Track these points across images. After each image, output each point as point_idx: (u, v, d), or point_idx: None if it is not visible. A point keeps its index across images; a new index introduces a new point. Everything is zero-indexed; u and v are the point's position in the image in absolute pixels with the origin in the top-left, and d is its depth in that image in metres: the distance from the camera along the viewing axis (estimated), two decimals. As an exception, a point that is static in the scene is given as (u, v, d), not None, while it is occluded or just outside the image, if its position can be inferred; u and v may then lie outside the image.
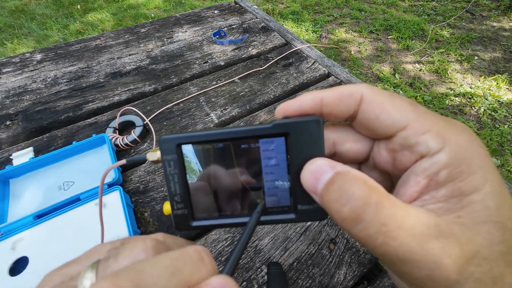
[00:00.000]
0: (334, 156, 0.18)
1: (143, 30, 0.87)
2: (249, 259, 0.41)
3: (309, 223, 0.45)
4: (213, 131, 0.17)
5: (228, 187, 0.18)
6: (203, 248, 0.14)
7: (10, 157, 0.49)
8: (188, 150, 0.18)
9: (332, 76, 0.73)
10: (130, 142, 0.53)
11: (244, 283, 0.39)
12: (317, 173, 0.15)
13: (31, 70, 0.71)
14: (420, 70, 2.06)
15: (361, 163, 0.19)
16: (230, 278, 0.13)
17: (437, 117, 0.15)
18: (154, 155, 0.18)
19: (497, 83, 1.91)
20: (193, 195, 0.18)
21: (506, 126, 1.65)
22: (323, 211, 0.17)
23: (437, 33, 2.42)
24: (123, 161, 0.19)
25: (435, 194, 0.14)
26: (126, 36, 0.84)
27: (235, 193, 0.18)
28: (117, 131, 0.55)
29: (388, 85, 1.91)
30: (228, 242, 0.43)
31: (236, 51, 0.79)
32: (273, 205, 0.18)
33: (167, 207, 0.18)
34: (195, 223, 0.18)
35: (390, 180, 0.18)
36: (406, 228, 0.12)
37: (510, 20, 2.58)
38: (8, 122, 0.58)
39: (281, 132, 0.17)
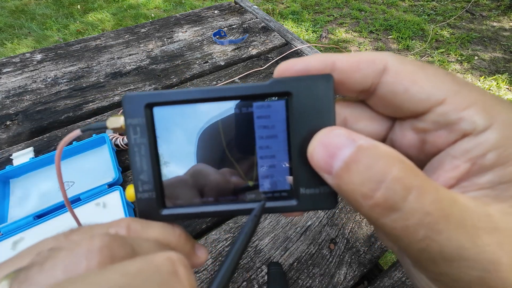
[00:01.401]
0: None
1: (143, 30, 0.87)
2: (249, 259, 0.41)
3: (309, 222, 0.45)
4: (195, 89, 0.13)
5: (211, 164, 0.14)
6: (179, 256, 0.10)
7: (10, 157, 0.49)
8: (161, 114, 0.14)
9: (332, 76, 0.73)
10: (130, 142, 0.53)
11: (244, 283, 0.39)
12: (332, 147, 0.12)
13: (31, 70, 0.71)
14: (420, 70, 2.06)
15: None
16: None
17: (481, 90, 0.12)
18: (116, 121, 0.14)
19: (497, 83, 1.91)
20: (164, 174, 0.14)
21: (506, 126, 1.65)
22: (332, 196, 0.14)
23: (437, 33, 2.42)
24: (77, 131, 0.15)
25: (478, 180, 0.12)
26: (126, 36, 0.84)
27: (220, 172, 0.14)
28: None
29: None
30: (229, 242, 0.43)
31: (236, 51, 0.79)
32: (268, 189, 0.14)
33: (130, 191, 0.14)
34: (165, 212, 0.14)
35: None
36: (455, 219, 0.10)
37: (510, 20, 2.58)
38: (8, 122, 0.58)
39: (281, 91, 0.13)
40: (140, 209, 0.14)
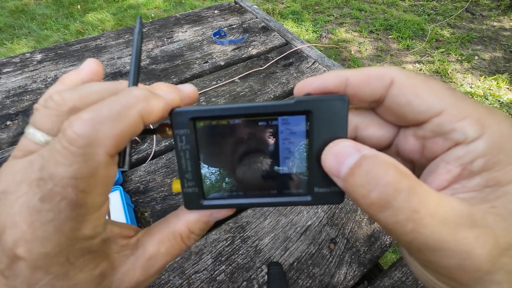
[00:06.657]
0: (355, 141, 0.18)
1: (143, 30, 0.86)
2: (249, 259, 0.41)
3: (309, 222, 0.45)
4: (230, 105, 0.16)
5: (242, 166, 0.17)
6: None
7: (10, 157, 0.49)
8: (201, 124, 0.17)
9: (332, 76, 0.73)
10: (130, 142, 0.53)
11: (244, 283, 0.39)
12: (340, 156, 0.14)
13: (31, 70, 0.71)
14: (421, 70, 2.06)
15: (381, 150, 0.18)
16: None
17: (476, 103, 0.14)
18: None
19: (497, 83, 1.91)
20: (204, 173, 0.17)
21: (506, 126, 1.65)
22: (341, 194, 0.16)
23: (437, 32, 2.41)
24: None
25: (467, 183, 0.13)
26: (126, 36, 0.84)
27: (249, 172, 0.17)
28: (117, 131, 0.55)
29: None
30: (229, 242, 0.43)
31: (236, 51, 0.79)
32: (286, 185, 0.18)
33: (176, 185, 0.17)
34: (206, 202, 0.17)
35: (413, 170, 0.18)
36: (438, 216, 0.12)
37: (510, 19, 2.58)
38: (8, 122, 0.58)
39: (303, 109, 0.16)
40: (186, 201, 0.17)
